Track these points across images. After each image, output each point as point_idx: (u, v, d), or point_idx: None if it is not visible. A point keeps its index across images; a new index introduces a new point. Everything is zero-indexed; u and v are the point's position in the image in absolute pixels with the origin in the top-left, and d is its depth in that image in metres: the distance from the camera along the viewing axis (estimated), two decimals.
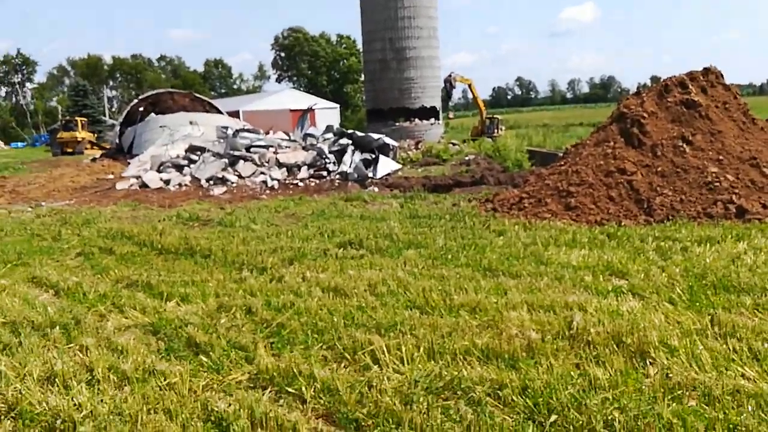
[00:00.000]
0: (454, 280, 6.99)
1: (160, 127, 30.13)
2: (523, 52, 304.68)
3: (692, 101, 12.12)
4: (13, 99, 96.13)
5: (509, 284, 6.72)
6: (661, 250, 8.09)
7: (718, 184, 10.92)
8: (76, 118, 46.07)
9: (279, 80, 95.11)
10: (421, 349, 4.86)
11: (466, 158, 24.63)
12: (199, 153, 24.13)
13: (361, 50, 54.61)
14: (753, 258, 7.47)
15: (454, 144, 30.16)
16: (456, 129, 54.78)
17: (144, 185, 21.56)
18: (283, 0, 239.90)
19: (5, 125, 78.38)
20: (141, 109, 34.56)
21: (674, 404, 3.74)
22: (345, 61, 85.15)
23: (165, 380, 4.53)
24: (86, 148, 41.01)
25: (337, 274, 7.66)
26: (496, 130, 38.59)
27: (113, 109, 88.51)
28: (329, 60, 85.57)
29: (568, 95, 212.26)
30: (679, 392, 3.93)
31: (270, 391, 4.36)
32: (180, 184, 21.40)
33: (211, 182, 21.28)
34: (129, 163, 27.67)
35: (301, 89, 78.95)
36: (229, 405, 4.08)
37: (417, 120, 41.56)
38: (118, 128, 34.26)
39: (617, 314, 5.45)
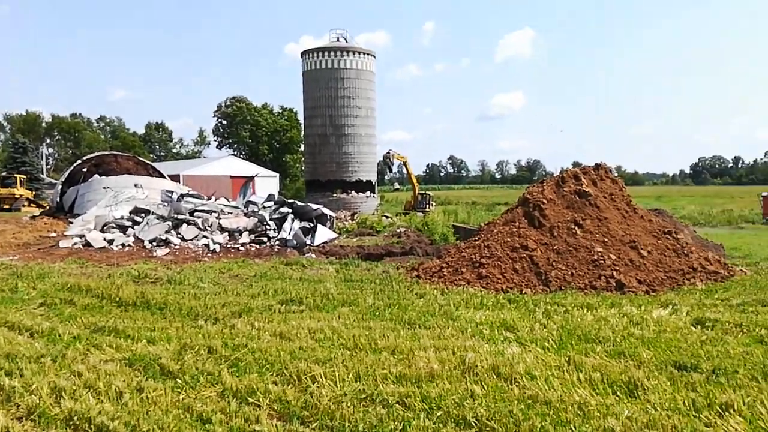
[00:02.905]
0: (379, 331, 8.59)
1: (104, 188, 30.88)
2: (456, 133, 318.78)
3: (584, 191, 14.49)
4: None
5: (422, 333, 8.39)
6: (547, 313, 9.97)
7: (602, 261, 13.08)
8: (15, 174, 45.97)
9: (220, 147, 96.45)
10: (350, 375, 6.41)
11: (398, 230, 26.60)
12: (143, 215, 25.10)
13: (302, 123, 57.11)
14: (617, 320, 9.40)
15: (387, 217, 32.19)
16: (390, 202, 57.28)
17: (87, 244, 22.25)
18: (227, 68, 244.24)
19: None
20: (84, 169, 35.18)
21: (524, 407, 5.42)
22: (286, 132, 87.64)
23: (153, 392, 5.89)
24: (24, 206, 40.96)
25: (282, 324, 9.13)
26: (427, 206, 41.01)
27: (49, 167, 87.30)
28: (270, 130, 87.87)
29: (497, 175, 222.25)
30: (530, 402, 5.61)
31: (235, 401, 5.79)
32: (123, 245, 22.23)
33: (155, 244, 22.23)
34: (70, 222, 28.20)
35: (242, 157, 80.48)
36: (207, 407, 5.50)
37: (353, 192, 43.76)
38: (59, 187, 34.65)
39: (500, 354, 7.18)
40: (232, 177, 57.56)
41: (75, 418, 5.31)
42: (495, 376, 6.38)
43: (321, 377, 6.31)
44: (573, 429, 4.87)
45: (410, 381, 6.20)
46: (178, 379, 6.45)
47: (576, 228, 13.82)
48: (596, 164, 15.66)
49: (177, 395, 5.94)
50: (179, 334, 8.63)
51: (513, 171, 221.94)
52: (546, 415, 5.22)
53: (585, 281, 12.67)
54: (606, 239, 13.73)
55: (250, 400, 5.77)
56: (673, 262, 13.76)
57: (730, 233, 32.45)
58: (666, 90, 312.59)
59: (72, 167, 36.35)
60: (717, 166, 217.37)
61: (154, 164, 43.34)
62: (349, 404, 5.51)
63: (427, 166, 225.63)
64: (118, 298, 11.60)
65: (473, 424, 5.05)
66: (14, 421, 5.34)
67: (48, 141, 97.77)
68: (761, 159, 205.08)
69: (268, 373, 6.60)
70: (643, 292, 12.32)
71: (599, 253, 13.26)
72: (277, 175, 67.35)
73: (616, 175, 17.01)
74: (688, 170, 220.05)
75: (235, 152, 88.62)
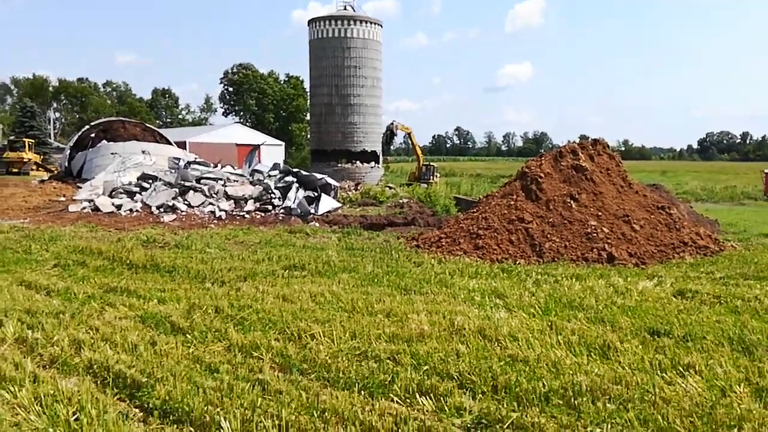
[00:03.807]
0: (376, 295, 9.10)
1: (112, 154, 31.33)
2: (463, 104, 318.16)
3: (581, 166, 14.86)
4: None
5: (417, 299, 8.91)
6: (537, 282, 10.45)
7: (595, 234, 13.51)
8: (24, 138, 46.43)
9: (226, 114, 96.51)
10: (347, 334, 6.93)
11: (401, 201, 27.03)
12: (150, 181, 25.58)
13: (308, 92, 57.14)
14: (603, 290, 9.87)
15: (390, 187, 32.58)
16: (395, 173, 57.59)
17: (96, 209, 22.80)
18: (234, 35, 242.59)
19: None
20: (92, 135, 35.61)
21: (503, 364, 5.94)
22: (292, 101, 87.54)
23: (165, 345, 6.43)
24: (32, 170, 41.50)
25: (284, 288, 9.64)
26: (432, 177, 41.32)
27: (56, 132, 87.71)
28: (276, 98, 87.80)
29: (503, 147, 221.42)
30: (509, 360, 6.12)
31: (241, 354, 6.32)
32: (131, 210, 22.77)
33: (162, 210, 22.74)
34: (79, 187, 28.76)
35: (248, 125, 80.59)
36: (215, 358, 6.04)
37: (358, 162, 44.06)
38: (68, 152, 35.13)
39: (488, 319, 7.68)
40: (237, 145, 57.79)
41: (95, 366, 5.85)
42: (480, 338, 6.88)
43: (320, 335, 6.83)
44: (545, 383, 5.37)
45: (402, 340, 6.71)
46: (187, 335, 6.99)
47: (571, 202, 14.23)
48: (594, 139, 16.01)
49: (187, 349, 6.47)
50: (188, 295, 9.15)
51: (519, 143, 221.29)
52: (522, 371, 5.73)
53: (578, 253, 13.12)
54: (600, 213, 14.14)
55: (254, 354, 6.30)
56: (664, 236, 14.17)
57: (730, 209, 32.75)
58: (677, 64, 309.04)
59: (80, 132, 36.78)
60: (725, 141, 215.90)
61: (161, 131, 43.69)
62: (344, 359, 6.04)
63: (434, 137, 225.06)
64: (128, 261, 12.11)
65: (455, 377, 5.57)
66: (40, 369, 5.89)
67: (55, 105, 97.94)
68: None
69: (270, 331, 7.12)
70: (633, 264, 12.76)
71: (593, 227, 13.67)
72: (283, 143, 67.54)
73: (622, 148, 17.38)
74: (695, 145, 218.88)
75: (241, 120, 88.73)
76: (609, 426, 4.57)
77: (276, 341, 6.71)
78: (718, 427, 4.57)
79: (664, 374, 5.74)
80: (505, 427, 4.59)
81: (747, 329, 7.27)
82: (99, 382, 5.58)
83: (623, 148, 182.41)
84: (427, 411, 4.90)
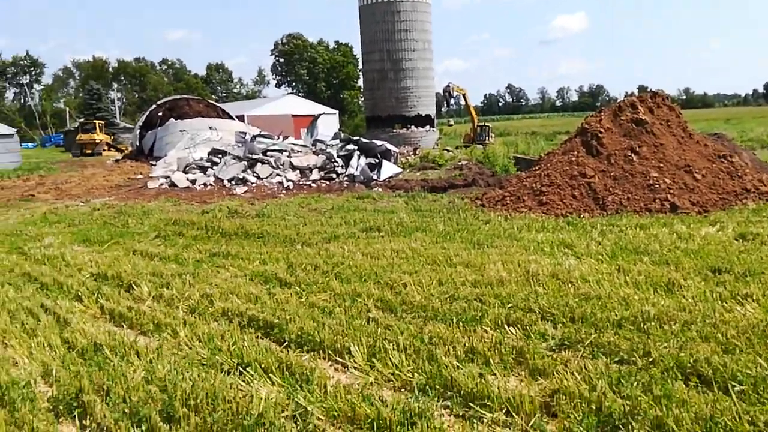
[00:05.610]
0: (453, 250, 9.99)
1: (180, 131, 33.00)
2: (514, 60, 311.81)
3: (640, 119, 15.23)
4: (22, 100, 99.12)
5: (491, 251, 9.76)
6: (602, 232, 11.12)
7: (657, 186, 13.97)
8: (94, 120, 49.00)
9: (278, 85, 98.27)
10: (434, 282, 7.88)
11: (459, 163, 27.66)
12: (220, 156, 27.04)
13: (358, 58, 57.72)
14: (666, 237, 10.48)
15: (448, 150, 33.18)
16: (449, 135, 57.88)
17: (173, 184, 24.38)
18: (281, 4, 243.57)
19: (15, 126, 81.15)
20: (159, 114, 37.44)
21: (578, 300, 6.77)
22: (343, 68, 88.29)
23: (282, 295, 7.53)
24: (104, 150, 43.89)
25: (368, 247, 10.64)
26: (486, 138, 41.51)
27: (120, 112, 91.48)
28: (327, 67, 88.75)
29: (558, 103, 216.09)
30: (583, 297, 6.94)
31: (348, 300, 7.35)
32: (205, 184, 24.25)
33: (233, 182, 24.15)
34: (153, 165, 30.54)
35: (300, 95, 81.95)
36: (327, 304, 7.10)
37: (413, 127, 44.68)
38: (138, 131, 37.09)
39: (559, 265, 8.48)
40: (293, 116, 59.11)
41: (229, 313, 6.98)
42: (555, 280, 7.71)
43: (411, 284, 7.80)
44: (616, 314, 6.19)
45: (484, 285, 7.62)
46: (295, 287, 8.07)
47: (632, 155, 14.68)
48: (653, 92, 16.28)
49: (299, 298, 7.56)
50: (284, 256, 10.25)
51: (575, 98, 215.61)
52: (595, 305, 6.55)
53: (640, 204, 13.63)
54: (661, 164, 14.54)
55: (358, 300, 7.32)
56: (726, 185, 14.50)
57: None
58: (738, 5, 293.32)
59: (148, 111, 38.69)
60: None
61: (221, 106, 45.29)
62: (436, 301, 7.00)
63: (485, 96, 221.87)
64: (221, 230, 13.33)
65: (537, 312, 6.45)
66: (186, 315, 7.06)
67: (115, 86, 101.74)
68: None
69: (367, 282, 8.14)
70: (696, 212, 13.21)
71: (654, 178, 14.12)
72: (337, 112, 68.58)
73: (683, 97, 17.54)
74: (761, 90, 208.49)
75: (294, 90, 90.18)
76: (675, 342, 5.38)
77: (374, 289, 7.71)
78: None
79: (724, 303, 6.46)
80: (584, 345, 5.46)
81: None
82: (237, 324, 6.70)
83: (684, 97, 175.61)
84: (517, 337, 5.81)
